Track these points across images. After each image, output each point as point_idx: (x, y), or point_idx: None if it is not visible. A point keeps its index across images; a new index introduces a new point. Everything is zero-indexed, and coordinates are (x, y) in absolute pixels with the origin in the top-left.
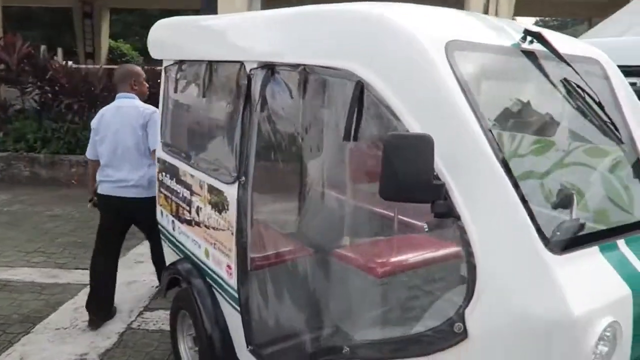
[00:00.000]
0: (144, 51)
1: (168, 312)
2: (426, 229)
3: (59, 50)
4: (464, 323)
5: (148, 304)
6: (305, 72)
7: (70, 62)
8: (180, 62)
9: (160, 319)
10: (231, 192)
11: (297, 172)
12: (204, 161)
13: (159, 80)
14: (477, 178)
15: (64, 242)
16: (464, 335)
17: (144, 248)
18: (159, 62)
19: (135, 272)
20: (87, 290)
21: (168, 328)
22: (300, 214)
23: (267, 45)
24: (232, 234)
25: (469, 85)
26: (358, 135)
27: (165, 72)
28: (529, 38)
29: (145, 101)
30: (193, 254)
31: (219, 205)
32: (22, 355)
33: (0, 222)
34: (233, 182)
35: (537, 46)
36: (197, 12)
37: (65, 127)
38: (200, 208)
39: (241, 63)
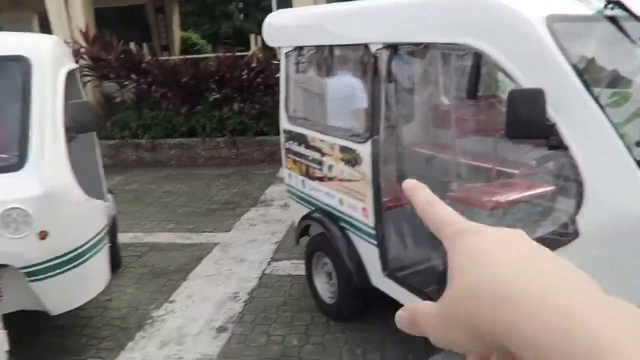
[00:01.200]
0: (206, 39)
1: (290, 261)
2: (534, 164)
3: (144, 46)
4: (575, 225)
5: (273, 257)
6: (426, 49)
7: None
8: (300, 48)
9: (286, 267)
10: (364, 149)
11: (416, 131)
12: (335, 127)
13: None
14: (580, 117)
15: (185, 212)
16: (576, 234)
17: (252, 214)
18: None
19: (253, 233)
20: (218, 247)
21: (295, 273)
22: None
23: (391, 28)
24: (367, 182)
25: (567, 49)
26: (477, 93)
27: (286, 57)
28: (609, 5)
29: (223, 85)
30: (326, 204)
31: (352, 161)
32: (189, 294)
33: (127, 198)
34: (366, 141)
35: (617, 12)
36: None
37: (162, 114)
38: (332, 166)
39: (365, 45)
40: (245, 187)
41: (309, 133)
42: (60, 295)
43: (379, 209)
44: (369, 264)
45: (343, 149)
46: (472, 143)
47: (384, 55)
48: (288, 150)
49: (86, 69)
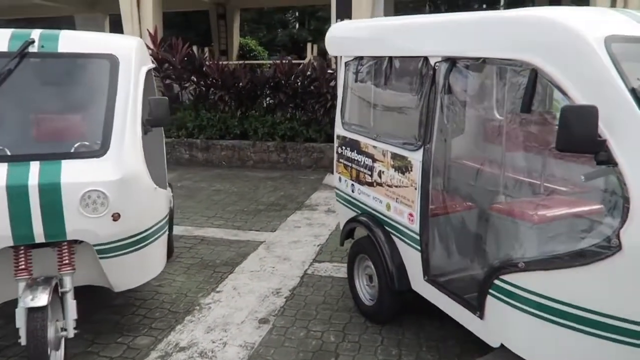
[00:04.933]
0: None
1: (332, 263)
2: (583, 179)
3: (206, 50)
4: (619, 239)
5: (315, 258)
6: (483, 63)
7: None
8: (361, 58)
9: (328, 269)
10: (415, 157)
11: (467, 143)
12: (387, 134)
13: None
14: (632, 136)
15: (234, 210)
16: (618, 248)
17: (297, 216)
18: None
19: (297, 234)
20: (264, 246)
21: (336, 275)
22: (465, 176)
23: (451, 43)
24: (415, 189)
25: (624, 69)
26: (532, 108)
27: (345, 66)
28: None
29: (277, 91)
30: (373, 209)
31: (403, 168)
32: (234, 286)
33: (179, 194)
34: (418, 149)
35: None
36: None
37: (217, 116)
38: (383, 172)
39: (425, 58)
40: (292, 191)
41: (362, 139)
42: (124, 274)
43: (425, 216)
44: (410, 269)
45: (394, 156)
46: (521, 158)
47: (443, 68)
48: (340, 155)
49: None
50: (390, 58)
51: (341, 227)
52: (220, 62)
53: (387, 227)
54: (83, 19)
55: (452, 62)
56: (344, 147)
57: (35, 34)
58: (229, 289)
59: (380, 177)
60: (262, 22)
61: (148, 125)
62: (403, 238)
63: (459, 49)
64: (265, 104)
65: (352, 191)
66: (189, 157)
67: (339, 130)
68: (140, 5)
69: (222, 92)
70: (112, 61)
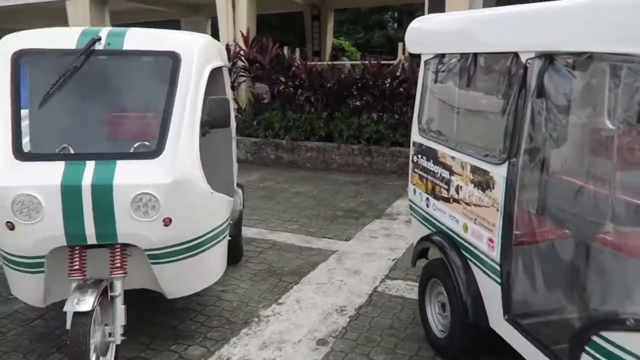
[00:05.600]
0: (358, 47)
1: (406, 282)
2: None
3: (297, 51)
4: None
5: (388, 274)
6: (590, 59)
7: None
8: (441, 55)
9: (400, 287)
10: (499, 172)
11: (566, 156)
12: (468, 144)
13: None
14: None
15: (310, 215)
16: None
17: (375, 225)
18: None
19: (373, 246)
20: (335, 256)
21: (409, 295)
22: (563, 196)
23: (548, 35)
24: (497, 210)
25: None
26: None
27: (425, 65)
28: None
29: (365, 92)
30: (449, 228)
31: (484, 184)
32: (297, 298)
33: (260, 195)
34: (502, 163)
35: None
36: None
37: (303, 117)
38: (461, 187)
39: (515, 54)
40: (373, 198)
41: (440, 148)
42: (177, 280)
43: (508, 243)
44: (488, 303)
45: (474, 170)
46: (637, 177)
47: (536, 66)
48: (415, 165)
49: (242, 70)
50: (474, 55)
51: (414, 245)
52: (309, 63)
53: (463, 251)
54: (187, 23)
55: (548, 58)
56: (419, 156)
57: (104, 32)
58: (291, 302)
59: (457, 192)
60: (358, 22)
61: (207, 126)
62: (481, 266)
63: (558, 41)
64: (352, 105)
65: (427, 206)
66: (274, 158)
67: (415, 136)
68: (235, 8)
69: (309, 92)
70: (174, 59)
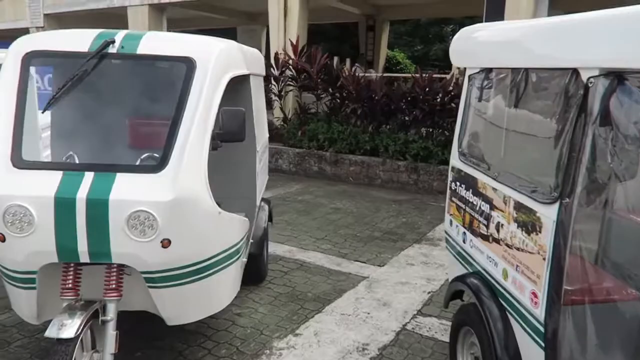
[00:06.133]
0: (413, 59)
1: (441, 320)
2: None
3: (347, 61)
4: None
5: (421, 309)
6: None
7: (359, 72)
8: (488, 70)
9: (433, 326)
10: (547, 213)
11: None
12: (512, 175)
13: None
14: None
15: (345, 234)
16: None
17: (414, 251)
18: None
19: (408, 274)
20: (365, 283)
21: (441, 337)
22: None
23: (618, 48)
24: (544, 259)
25: None
26: None
27: (469, 80)
28: None
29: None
30: (486, 270)
31: (529, 226)
32: (317, 331)
33: (297, 208)
34: (552, 203)
35: None
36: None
37: (349, 129)
38: (502, 224)
39: (574, 70)
40: (415, 219)
41: (480, 176)
42: (177, 306)
43: (557, 300)
44: None
45: (519, 207)
46: None
47: (601, 86)
48: (453, 193)
49: (290, 79)
50: (525, 71)
51: (449, 282)
52: (357, 74)
53: (502, 301)
54: (244, 30)
55: (616, 77)
56: (458, 183)
57: (120, 34)
58: (309, 334)
59: (498, 231)
60: (417, 35)
61: (218, 139)
62: (522, 323)
63: (631, 57)
64: (399, 119)
65: (464, 241)
66: (317, 170)
67: (454, 160)
68: (287, 16)
69: (355, 104)
70: (188, 65)
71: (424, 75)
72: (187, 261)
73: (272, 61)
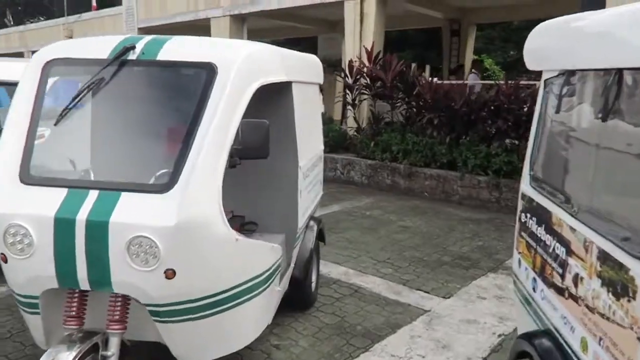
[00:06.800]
0: (505, 66)
1: None
2: None
3: (427, 68)
4: None
5: (487, 357)
6: None
7: (435, 79)
8: (569, 73)
9: None
10: None
11: None
12: (597, 213)
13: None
14: None
15: (410, 257)
16: None
17: (487, 281)
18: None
19: (477, 309)
20: (424, 318)
21: None
22: None
23: None
24: (638, 338)
25: None
26: None
27: (545, 87)
28: None
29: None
30: (559, 332)
31: (618, 287)
32: None
33: (362, 225)
34: None
35: None
36: None
37: (424, 141)
38: (582, 277)
39: None
40: (493, 242)
41: (556, 210)
42: (188, 343)
43: None
44: None
45: (604, 257)
46: None
47: None
48: (523, 226)
49: (364, 87)
50: (617, 72)
51: (517, 335)
52: (434, 82)
53: None
54: (324, 39)
55: None
56: (529, 215)
57: (144, 40)
58: None
59: (575, 285)
60: (511, 40)
61: (237, 156)
62: None
63: None
64: (481, 131)
65: (534, 289)
66: (390, 183)
67: (525, 186)
68: (363, 23)
69: (432, 114)
70: (209, 71)
71: (509, 82)
72: (196, 295)
73: (347, 69)
